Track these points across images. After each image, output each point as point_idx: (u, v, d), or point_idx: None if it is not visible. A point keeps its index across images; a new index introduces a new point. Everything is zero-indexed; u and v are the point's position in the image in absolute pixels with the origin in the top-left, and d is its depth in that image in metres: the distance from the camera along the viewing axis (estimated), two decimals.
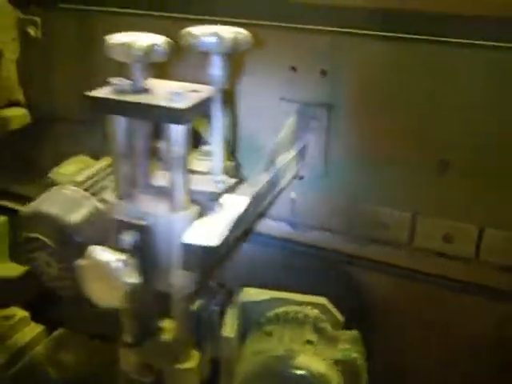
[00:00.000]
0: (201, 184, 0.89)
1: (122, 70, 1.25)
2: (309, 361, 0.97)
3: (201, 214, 0.86)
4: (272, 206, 1.04)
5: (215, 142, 0.88)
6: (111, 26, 1.30)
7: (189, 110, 0.77)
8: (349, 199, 1.20)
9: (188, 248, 0.80)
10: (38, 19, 1.33)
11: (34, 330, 1.42)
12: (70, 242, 0.97)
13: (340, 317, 1.13)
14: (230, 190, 0.90)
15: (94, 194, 1.01)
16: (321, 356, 1.00)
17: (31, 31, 1.32)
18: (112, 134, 0.84)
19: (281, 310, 1.11)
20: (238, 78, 1.15)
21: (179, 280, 0.87)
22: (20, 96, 1.38)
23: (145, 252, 0.84)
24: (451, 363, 1.21)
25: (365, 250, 1.22)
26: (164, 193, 0.87)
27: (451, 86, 1.06)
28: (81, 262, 0.80)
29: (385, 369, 1.20)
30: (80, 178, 1.03)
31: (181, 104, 0.77)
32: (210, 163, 0.93)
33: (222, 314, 1.05)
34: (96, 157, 1.23)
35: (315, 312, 1.11)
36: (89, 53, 1.34)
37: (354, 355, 1.03)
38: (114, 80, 0.82)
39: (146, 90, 0.82)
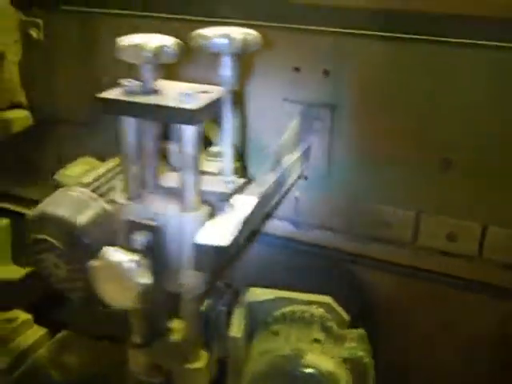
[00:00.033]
0: (211, 184, 0.89)
1: (122, 71, 1.27)
2: (317, 359, 0.98)
3: (211, 215, 0.87)
4: (278, 206, 1.05)
5: (225, 143, 0.89)
6: (113, 27, 1.31)
7: (200, 111, 0.78)
8: (352, 198, 1.21)
9: (200, 248, 0.80)
10: (40, 21, 1.33)
11: (36, 332, 1.42)
12: (78, 243, 0.97)
13: (345, 315, 1.14)
14: (240, 190, 0.91)
15: (101, 196, 1.02)
16: (328, 354, 1.01)
17: (33, 33, 1.32)
18: (122, 135, 0.84)
19: (287, 309, 1.12)
20: (246, 79, 1.16)
21: (189, 280, 0.87)
22: (22, 98, 1.38)
23: (156, 253, 0.84)
24: (454, 361, 1.22)
25: (368, 249, 1.23)
26: (173, 193, 0.88)
27: (453, 86, 1.08)
28: (94, 262, 0.80)
29: (388, 367, 1.20)
30: (87, 180, 1.03)
31: (192, 105, 0.77)
32: (220, 164, 0.93)
33: (229, 314, 1.06)
34: (100, 158, 1.23)
35: (321, 311, 1.12)
36: (91, 55, 1.35)
37: (361, 353, 1.04)
38: (124, 81, 0.82)
39: (156, 91, 0.82)
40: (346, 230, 1.24)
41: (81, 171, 1.12)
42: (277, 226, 1.28)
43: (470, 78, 1.06)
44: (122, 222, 0.87)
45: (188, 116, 0.77)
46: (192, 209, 0.84)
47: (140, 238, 0.83)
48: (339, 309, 1.14)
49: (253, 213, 0.88)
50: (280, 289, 1.18)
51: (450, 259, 1.16)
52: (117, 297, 0.82)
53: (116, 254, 0.79)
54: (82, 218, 0.97)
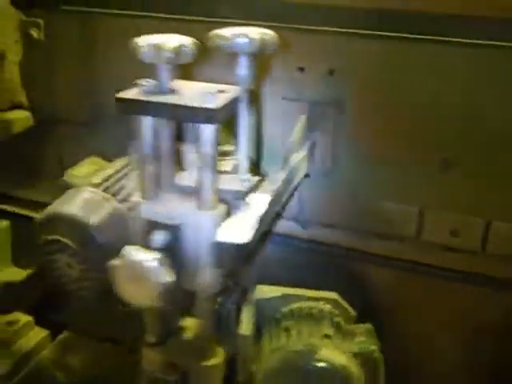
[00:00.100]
0: (227, 183, 0.90)
1: (123, 71, 1.26)
2: (331, 354, 1.00)
3: (227, 213, 0.87)
4: (287, 204, 1.06)
5: (241, 141, 0.90)
6: (113, 27, 1.31)
7: (220, 110, 0.78)
8: (356, 195, 1.22)
9: (221, 246, 0.81)
10: (40, 21, 1.32)
11: (38, 334, 1.41)
12: (91, 242, 0.97)
13: (352, 311, 1.16)
14: (254, 188, 0.92)
15: (112, 195, 1.02)
16: (340, 349, 1.03)
17: (34, 33, 1.31)
18: (139, 135, 0.84)
19: (295, 306, 1.13)
20: (262, 79, 1.17)
21: (206, 279, 0.88)
22: (22, 98, 1.37)
23: (174, 252, 0.85)
24: (458, 353, 1.24)
25: (371, 245, 1.25)
26: (189, 193, 0.88)
27: (455, 85, 1.10)
28: (114, 262, 0.81)
29: (393, 361, 1.22)
30: (97, 180, 1.03)
31: (213, 104, 0.78)
32: (233, 162, 0.94)
33: (238, 311, 1.06)
34: (101, 158, 1.23)
35: (328, 307, 1.14)
36: (91, 55, 1.34)
37: (372, 347, 1.06)
38: (141, 81, 0.83)
39: (173, 91, 0.83)
40: (350, 226, 1.26)
41: (88, 171, 1.12)
42: (280, 224, 1.28)
43: (473, 78, 1.08)
44: (139, 222, 0.87)
45: (209, 115, 0.78)
46: (209, 207, 0.85)
47: (159, 238, 0.84)
48: (346, 304, 1.15)
49: (268, 210, 0.89)
50: (283, 286, 1.19)
51: (453, 254, 1.18)
52: (137, 296, 0.82)
53: (137, 253, 0.80)
54: (95, 218, 0.97)
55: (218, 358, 0.96)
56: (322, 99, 1.18)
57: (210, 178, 0.83)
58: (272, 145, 1.21)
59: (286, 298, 1.16)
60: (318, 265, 1.28)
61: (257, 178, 0.93)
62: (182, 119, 0.83)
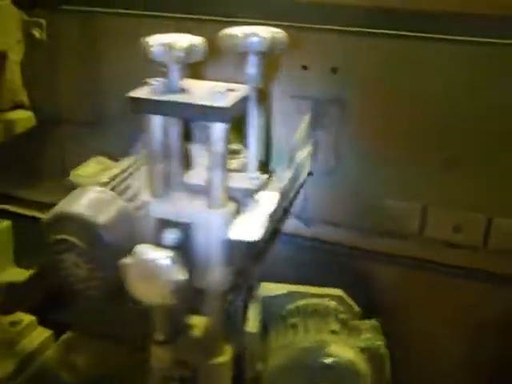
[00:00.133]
0: (236, 181, 0.90)
1: (124, 70, 1.26)
2: (340, 350, 1.00)
3: (237, 211, 0.88)
4: (294, 202, 1.07)
5: (250, 140, 0.90)
6: (115, 27, 1.31)
7: (231, 109, 0.79)
8: (359, 194, 1.23)
9: (233, 244, 0.82)
10: (43, 21, 1.32)
11: (41, 334, 1.41)
12: (99, 241, 0.97)
13: (356, 307, 1.16)
14: (263, 186, 0.92)
15: (119, 194, 1.02)
16: (348, 345, 1.04)
17: (36, 33, 1.31)
18: (149, 134, 0.85)
19: (301, 303, 1.14)
20: (272, 77, 1.17)
21: (216, 277, 0.88)
22: (24, 98, 1.37)
23: (184, 250, 0.85)
24: (461, 349, 1.25)
25: (375, 243, 1.26)
26: (198, 191, 0.89)
27: (457, 83, 1.11)
28: (126, 260, 0.81)
29: (397, 358, 1.23)
30: (104, 179, 1.03)
31: (224, 102, 0.78)
32: (241, 160, 0.95)
33: (245, 309, 1.07)
34: (108, 158, 1.23)
35: (333, 303, 1.15)
36: (93, 54, 1.34)
37: (378, 343, 1.07)
38: (151, 80, 0.83)
39: (183, 90, 0.83)
40: (353, 224, 1.26)
41: (93, 171, 1.12)
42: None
43: (475, 76, 1.09)
44: (148, 221, 0.88)
45: (220, 114, 0.78)
46: (219, 206, 0.85)
47: (170, 236, 0.84)
48: (350, 301, 1.16)
49: (276, 208, 0.90)
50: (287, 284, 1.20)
51: (455, 250, 1.19)
52: (149, 294, 0.82)
53: (149, 252, 0.80)
54: (103, 217, 0.97)
55: (226, 356, 0.96)
56: (325, 97, 1.19)
57: (220, 176, 0.84)
58: (277, 143, 1.21)
59: (291, 296, 1.16)
60: (322, 263, 1.29)
61: (265, 176, 0.94)
62: (194, 118, 0.83)
